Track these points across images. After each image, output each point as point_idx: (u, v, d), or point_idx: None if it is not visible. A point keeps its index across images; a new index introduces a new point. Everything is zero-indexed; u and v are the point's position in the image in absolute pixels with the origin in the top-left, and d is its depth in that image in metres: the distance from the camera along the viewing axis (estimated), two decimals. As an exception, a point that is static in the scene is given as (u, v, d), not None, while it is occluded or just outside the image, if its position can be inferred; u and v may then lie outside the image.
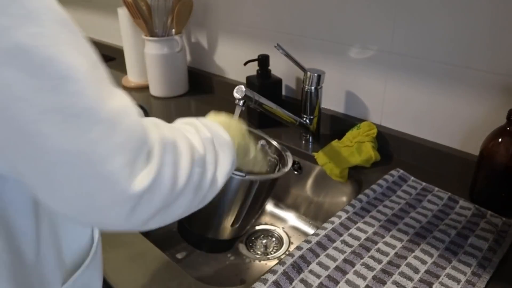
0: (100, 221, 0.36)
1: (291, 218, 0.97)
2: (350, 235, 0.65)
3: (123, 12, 1.26)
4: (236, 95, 0.73)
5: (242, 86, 0.73)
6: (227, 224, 0.67)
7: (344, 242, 0.63)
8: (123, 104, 0.34)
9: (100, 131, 0.31)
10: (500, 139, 0.67)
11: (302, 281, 0.56)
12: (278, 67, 1.02)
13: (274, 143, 0.75)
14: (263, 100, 0.79)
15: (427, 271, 0.57)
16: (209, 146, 0.44)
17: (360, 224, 0.67)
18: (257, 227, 0.96)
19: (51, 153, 0.30)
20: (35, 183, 0.33)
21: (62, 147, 0.30)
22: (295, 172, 0.96)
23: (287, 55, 0.85)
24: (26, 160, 0.31)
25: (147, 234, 0.70)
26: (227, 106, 0.91)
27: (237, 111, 0.74)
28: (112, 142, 0.32)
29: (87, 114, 0.31)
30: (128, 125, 0.33)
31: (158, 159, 0.35)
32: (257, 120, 1.03)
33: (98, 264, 0.54)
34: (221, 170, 0.46)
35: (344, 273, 0.57)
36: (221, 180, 0.46)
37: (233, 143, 0.49)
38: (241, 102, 0.73)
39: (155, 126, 0.38)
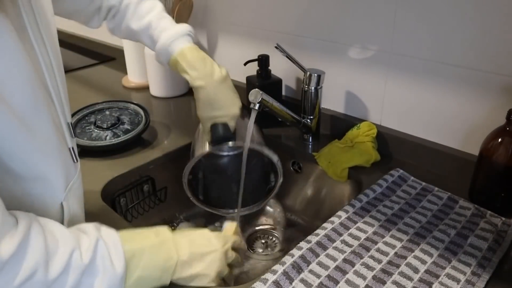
0: None
1: (291, 217, 0.97)
2: (350, 235, 0.65)
3: (123, 12, 1.26)
4: (252, 99, 0.72)
5: (258, 90, 0.72)
6: None
7: (344, 242, 0.63)
8: None
9: None
10: (500, 139, 0.67)
11: (302, 281, 0.56)
12: (278, 67, 1.02)
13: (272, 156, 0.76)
14: (275, 103, 0.78)
15: (427, 271, 0.57)
16: (74, 271, 0.44)
17: (360, 224, 0.67)
18: (257, 227, 0.96)
19: None
20: None
21: None
22: (295, 172, 0.96)
23: (287, 55, 0.85)
24: None
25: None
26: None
27: (253, 115, 0.73)
28: None
29: None
30: None
31: None
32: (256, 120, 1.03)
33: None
34: None
35: (344, 273, 0.58)
36: None
37: (123, 276, 0.48)
38: (257, 106, 0.72)
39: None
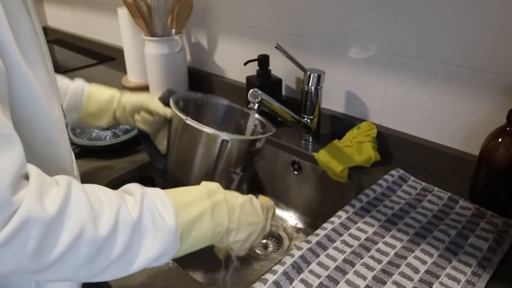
0: None
1: (291, 218, 0.97)
2: (350, 235, 0.65)
3: (123, 12, 1.26)
4: (251, 99, 0.71)
5: (257, 90, 0.71)
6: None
7: (344, 242, 0.63)
8: None
9: None
10: (500, 139, 0.67)
11: (302, 281, 0.56)
12: (278, 67, 1.02)
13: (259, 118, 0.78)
14: (275, 103, 0.78)
15: (427, 271, 0.57)
16: (124, 228, 0.42)
17: (360, 224, 0.67)
18: (257, 227, 0.96)
19: None
20: None
21: None
22: (295, 172, 0.96)
23: (287, 55, 0.85)
24: None
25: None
26: (227, 106, 0.91)
27: (252, 116, 0.72)
28: None
29: None
30: None
31: (11, 229, 0.35)
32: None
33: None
34: (142, 254, 0.44)
35: (344, 273, 0.57)
36: (137, 265, 0.44)
37: (176, 229, 0.46)
38: (256, 106, 0.72)
39: (37, 200, 0.37)
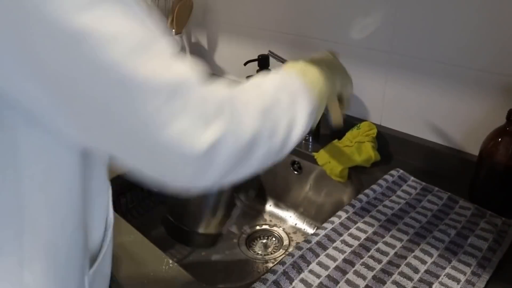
0: (178, 180, 0.38)
1: (291, 218, 0.97)
2: (350, 235, 0.65)
3: (123, 12, 1.26)
4: None
5: None
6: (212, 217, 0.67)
7: (344, 242, 0.63)
8: (183, 71, 0.35)
9: (159, 99, 0.33)
10: (499, 139, 0.67)
11: (302, 281, 0.56)
12: (278, 67, 1.02)
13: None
14: None
15: (427, 271, 0.57)
16: (282, 93, 0.45)
17: (360, 224, 0.67)
18: (257, 227, 0.96)
19: (121, 123, 0.33)
20: (113, 151, 0.36)
21: (127, 118, 0.32)
22: (295, 172, 0.96)
23: (281, 60, 0.85)
24: (102, 133, 0.34)
25: (147, 234, 0.70)
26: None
27: None
28: (171, 109, 0.33)
29: (147, 84, 0.32)
30: (189, 92, 0.35)
31: (224, 118, 0.37)
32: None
33: (111, 251, 0.55)
34: (300, 113, 0.46)
35: (344, 273, 0.58)
36: (300, 125, 0.46)
37: (310, 88, 0.49)
38: None
39: (222, 85, 0.39)
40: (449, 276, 0.57)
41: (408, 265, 0.59)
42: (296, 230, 0.94)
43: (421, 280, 0.56)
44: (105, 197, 0.51)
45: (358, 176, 0.83)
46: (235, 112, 0.38)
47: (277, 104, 0.44)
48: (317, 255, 0.60)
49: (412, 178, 0.79)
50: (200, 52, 1.29)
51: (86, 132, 0.34)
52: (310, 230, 0.93)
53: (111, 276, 0.59)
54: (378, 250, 0.62)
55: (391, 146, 0.88)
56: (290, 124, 0.44)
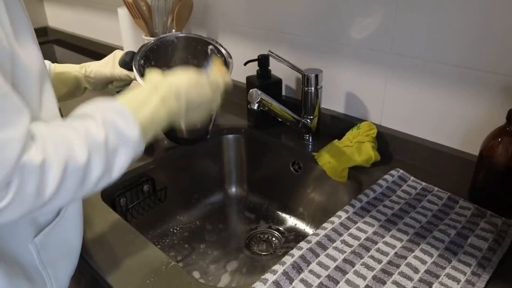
0: None
1: (291, 218, 0.97)
2: (350, 235, 0.65)
3: (123, 12, 1.26)
4: (251, 99, 0.72)
5: (257, 90, 0.73)
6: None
7: (344, 242, 0.63)
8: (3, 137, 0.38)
9: None
10: (499, 139, 0.67)
11: (302, 281, 0.56)
12: (278, 67, 1.02)
13: (222, 50, 0.84)
14: (275, 103, 0.78)
15: (427, 271, 0.57)
16: (96, 151, 0.46)
17: (360, 224, 0.67)
18: (257, 227, 0.96)
19: None
20: None
21: None
22: (295, 172, 0.96)
23: (282, 60, 0.85)
24: None
25: (147, 234, 0.70)
26: (227, 105, 0.91)
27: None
28: None
29: None
30: None
31: (15, 188, 0.40)
32: (255, 119, 1.03)
33: (75, 222, 0.58)
34: (117, 166, 0.49)
35: (344, 273, 0.58)
36: (116, 174, 0.49)
37: (140, 136, 0.50)
38: (256, 106, 0.73)
39: (35, 147, 0.42)
40: (449, 276, 0.57)
41: (408, 265, 0.59)
42: (296, 230, 0.94)
43: (421, 280, 0.56)
44: None
45: (358, 176, 0.83)
46: (34, 181, 0.41)
47: (89, 162, 0.45)
48: (317, 255, 0.60)
49: (412, 178, 0.79)
50: (200, 52, 1.29)
51: None
52: (310, 230, 0.93)
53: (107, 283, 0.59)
54: (378, 250, 0.62)
55: (391, 146, 0.88)
56: (102, 175, 0.47)
